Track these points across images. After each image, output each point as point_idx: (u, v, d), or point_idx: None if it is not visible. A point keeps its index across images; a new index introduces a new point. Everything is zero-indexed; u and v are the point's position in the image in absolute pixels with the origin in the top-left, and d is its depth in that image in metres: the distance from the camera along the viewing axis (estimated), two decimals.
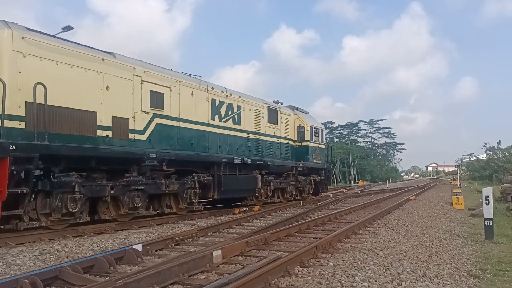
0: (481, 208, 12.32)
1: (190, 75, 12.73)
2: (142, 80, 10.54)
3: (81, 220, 9.01)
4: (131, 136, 10.13)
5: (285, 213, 13.97)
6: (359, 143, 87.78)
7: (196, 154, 12.15)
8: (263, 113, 15.81)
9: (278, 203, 16.23)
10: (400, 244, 7.81)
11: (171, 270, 5.19)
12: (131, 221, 10.05)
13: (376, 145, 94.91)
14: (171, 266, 5.26)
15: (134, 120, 10.25)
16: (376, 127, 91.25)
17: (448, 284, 5.36)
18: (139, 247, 6.61)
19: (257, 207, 14.28)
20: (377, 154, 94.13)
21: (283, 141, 17.29)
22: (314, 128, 19.33)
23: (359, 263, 6.10)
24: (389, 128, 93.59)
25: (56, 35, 10.82)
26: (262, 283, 4.87)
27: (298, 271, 5.66)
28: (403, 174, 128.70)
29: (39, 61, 8.29)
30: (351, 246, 7.62)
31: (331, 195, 21.48)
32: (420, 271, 5.79)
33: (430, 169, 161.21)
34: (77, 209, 8.74)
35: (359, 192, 27.66)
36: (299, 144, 18.23)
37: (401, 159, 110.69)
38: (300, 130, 18.26)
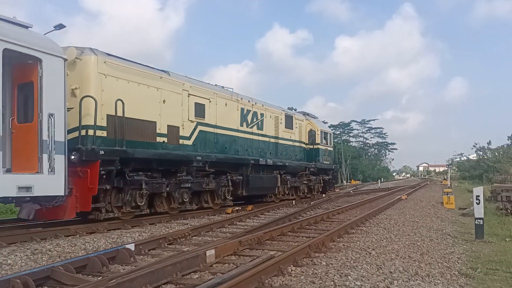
0: (471, 208, 12.45)
1: (222, 87, 14.57)
2: (189, 94, 12.34)
3: (143, 212, 10.67)
4: (181, 141, 11.93)
5: (278, 212, 14.01)
6: (351, 143, 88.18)
7: (231, 157, 14.08)
8: (281, 119, 17.78)
9: (292, 200, 17.78)
10: (392, 243, 7.86)
11: (164, 269, 5.17)
12: (178, 214, 11.73)
13: (368, 145, 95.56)
14: (164, 265, 5.25)
15: (183, 128, 12.05)
16: (368, 127, 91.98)
17: (440, 283, 5.40)
18: (132, 246, 6.58)
19: (250, 207, 14.34)
20: (369, 154, 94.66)
21: (297, 144, 19.31)
22: (324, 132, 21.43)
23: (352, 262, 6.13)
24: (380, 128, 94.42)
25: (48, 33, 10.95)
26: (255, 283, 4.88)
27: (292, 270, 5.67)
28: (394, 174, 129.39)
29: (116, 80, 9.96)
30: (343, 245, 7.65)
31: (323, 195, 21.74)
32: (412, 270, 5.84)
33: (421, 169, 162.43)
34: (143, 203, 10.43)
35: (351, 191, 27.82)
36: (311, 146, 20.30)
37: (393, 159, 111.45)
38: (311, 134, 20.38)
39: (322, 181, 21.35)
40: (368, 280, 5.16)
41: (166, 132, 11.32)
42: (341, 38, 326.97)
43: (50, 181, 7.87)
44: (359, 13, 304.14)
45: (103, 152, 9.16)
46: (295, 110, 20.28)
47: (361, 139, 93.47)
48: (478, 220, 9.51)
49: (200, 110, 12.70)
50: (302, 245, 6.82)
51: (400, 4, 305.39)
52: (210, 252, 6.13)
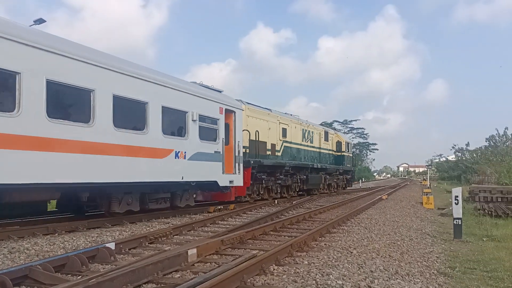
0: (450, 208, 12.67)
1: (291, 115, 21.57)
2: (279, 122, 19.40)
3: (259, 198, 16.99)
4: (276, 154, 18.67)
5: (260, 211, 14.02)
6: None
7: (301, 163, 21.07)
8: (322, 135, 25.25)
9: (327, 193, 24.67)
10: (373, 243, 7.95)
11: (145, 268, 5.11)
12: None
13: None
14: (145, 264, 5.19)
15: (276, 145, 18.84)
16: (350, 127, 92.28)
17: (419, 282, 5.48)
18: (112, 245, 6.50)
19: (232, 206, 14.32)
20: None
21: (330, 152, 26.79)
22: (347, 142, 29.32)
23: (333, 261, 6.17)
24: (362, 128, 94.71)
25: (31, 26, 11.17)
26: (237, 282, 4.86)
27: (274, 269, 5.68)
28: (375, 174, 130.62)
29: (251, 118, 16.65)
30: (325, 244, 7.70)
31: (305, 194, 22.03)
32: (392, 269, 5.91)
33: (401, 169, 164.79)
34: (262, 192, 17.09)
35: (332, 191, 27.96)
36: (338, 153, 27.71)
37: (374, 159, 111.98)
38: (338, 144, 27.83)
39: (345, 180, 29.14)
40: (350, 279, 5.21)
41: (270, 148, 18.12)
42: (324, 38, 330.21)
43: (238, 178, 14.16)
44: (343, 14, 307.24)
45: (252, 162, 15.53)
46: (330, 125, 25.82)
47: None
48: (457, 220, 9.68)
49: (284, 132, 19.68)
50: (284, 244, 6.82)
51: (383, 6, 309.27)
52: (192, 251, 6.09)
